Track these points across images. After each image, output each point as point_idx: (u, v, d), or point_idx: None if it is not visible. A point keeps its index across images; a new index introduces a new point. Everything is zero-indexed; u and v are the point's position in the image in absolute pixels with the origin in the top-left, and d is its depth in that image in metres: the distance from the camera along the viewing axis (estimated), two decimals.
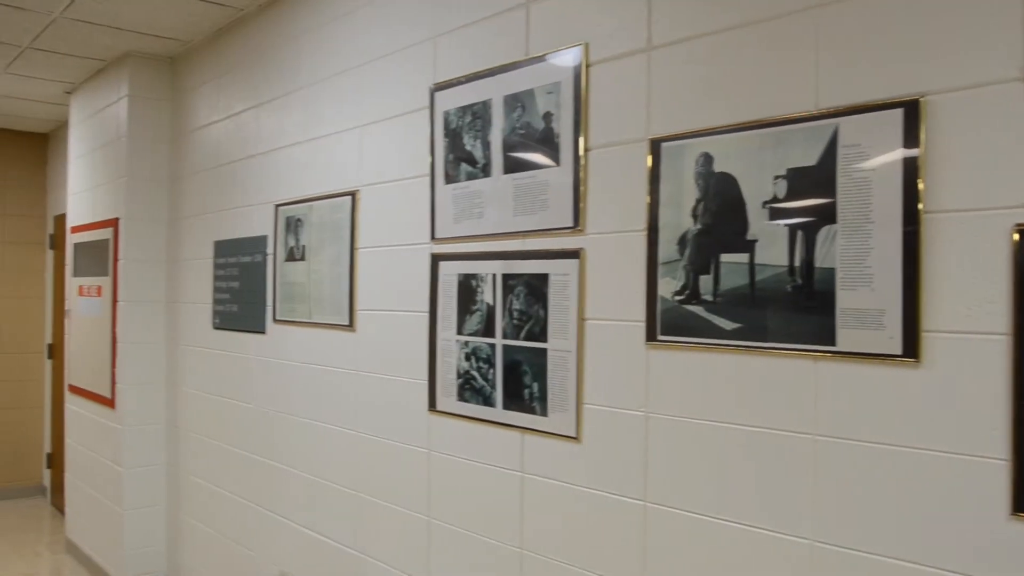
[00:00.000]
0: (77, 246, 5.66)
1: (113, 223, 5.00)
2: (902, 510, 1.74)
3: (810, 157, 1.88)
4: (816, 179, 1.87)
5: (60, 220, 6.82)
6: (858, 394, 1.81)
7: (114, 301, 4.98)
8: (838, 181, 1.83)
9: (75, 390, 5.70)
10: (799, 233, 1.89)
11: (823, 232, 1.85)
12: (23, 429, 7.23)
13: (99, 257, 5.21)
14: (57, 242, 7.05)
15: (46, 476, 7.23)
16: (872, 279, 1.77)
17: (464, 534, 2.81)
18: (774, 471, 1.96)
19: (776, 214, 1.94)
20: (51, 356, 7.22)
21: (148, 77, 4.94)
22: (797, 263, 1.90)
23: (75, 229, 5.71)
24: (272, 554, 3.93)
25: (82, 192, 5.61)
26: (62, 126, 6.82)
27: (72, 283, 5.76)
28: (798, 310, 1.90)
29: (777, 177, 1.94)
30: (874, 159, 1.77)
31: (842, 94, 1.84)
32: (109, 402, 5.03)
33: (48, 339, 7.28)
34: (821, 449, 1.87)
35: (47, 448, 7.21)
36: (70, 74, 5.39)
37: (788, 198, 1.92)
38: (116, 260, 4.96)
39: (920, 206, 1.71)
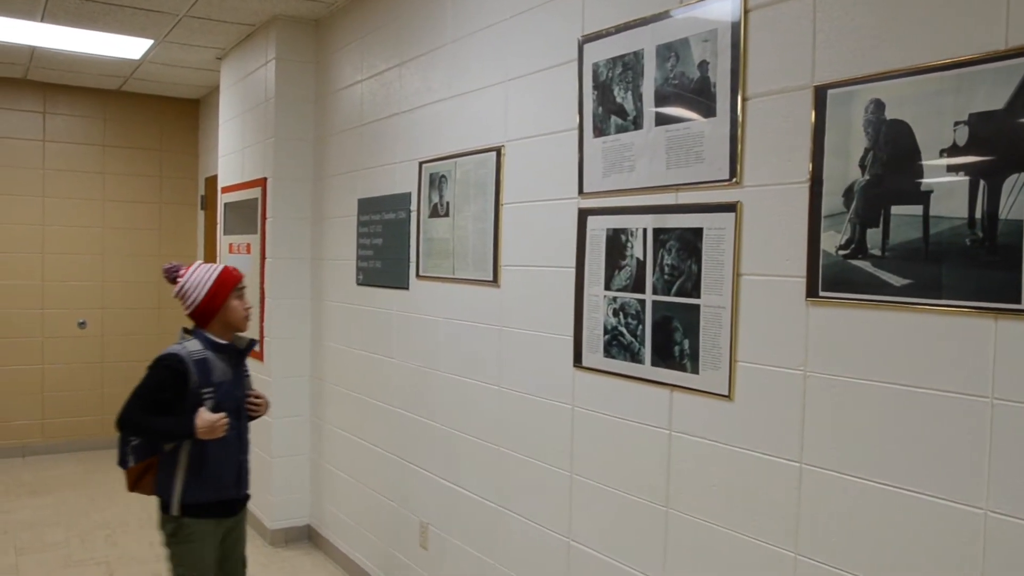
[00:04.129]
0: (227, 205, 5.92)
1: (261, 183, 5.19)
2: None
3: (997, 100, 1.75)
4: (1004, 124, 1.74)
5: (211, 181, 7.14)
6: None
7: (262, 258, 5.19)
8: None
9: None
10: (982, 183, 1.77)
11: (1010, 181, 1.72)
12: None
13: (248, 216, 5.43)
14: (208, 202, 7.40)
15: None
16: None
17: (607, 491, 2.80)
18: (945, 435, 1.85)
19: (955, 163, 1.82)
20: None
21: (294, 40, 5.08)
22: (978, 215, 1.78)
23: (225, 189, 5.97)
24: (412, 505, 4.04)
25: (232, 154, 5.85)
26: (213, 91, 7.12)
27: (223, 241, 6.04)
28: (978, 265, 1.78)
29: (957, 123, 1.82)
30: None
31: None
32: (258, 355, 5.26)
33: None
34: (999, 413, 1.76)
35: None
36: (221, 40, 5.61)
37: (969, 145, 1.80)
38: (264, 218, 5.16)
39: None
